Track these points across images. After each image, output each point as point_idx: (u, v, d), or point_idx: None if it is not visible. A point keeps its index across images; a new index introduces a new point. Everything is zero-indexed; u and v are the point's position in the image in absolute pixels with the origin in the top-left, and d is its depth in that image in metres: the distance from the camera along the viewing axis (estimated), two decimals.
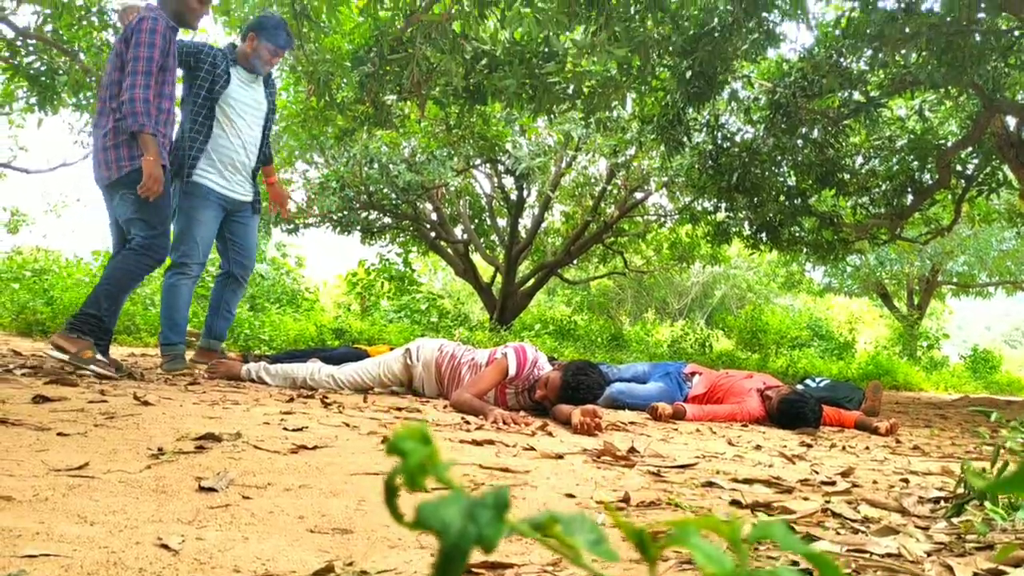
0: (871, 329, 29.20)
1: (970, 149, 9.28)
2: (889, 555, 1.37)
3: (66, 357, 3.72)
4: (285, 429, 2.51)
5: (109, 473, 1.66)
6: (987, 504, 1.59)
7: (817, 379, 5.83)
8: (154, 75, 3.84)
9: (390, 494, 0.37)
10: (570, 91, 7.36)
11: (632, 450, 2.68)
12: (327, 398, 3.64)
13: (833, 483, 2.26)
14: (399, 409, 3.47)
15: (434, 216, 15.83)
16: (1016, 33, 7.02)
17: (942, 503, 1.93)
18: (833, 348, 18.82)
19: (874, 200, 10.54)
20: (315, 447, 2.22)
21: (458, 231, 16.53)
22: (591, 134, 12.03)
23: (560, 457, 2.45)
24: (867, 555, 1.36)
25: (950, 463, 3.00)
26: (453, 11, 6.34)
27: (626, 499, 1.82)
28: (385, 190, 13.48)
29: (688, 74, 7.19)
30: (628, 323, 25.97)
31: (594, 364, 3.80)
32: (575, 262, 17.65)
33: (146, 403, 2.81)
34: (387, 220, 15.21)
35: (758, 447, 3.24)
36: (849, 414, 4.81)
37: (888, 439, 4.18)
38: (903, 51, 6.75)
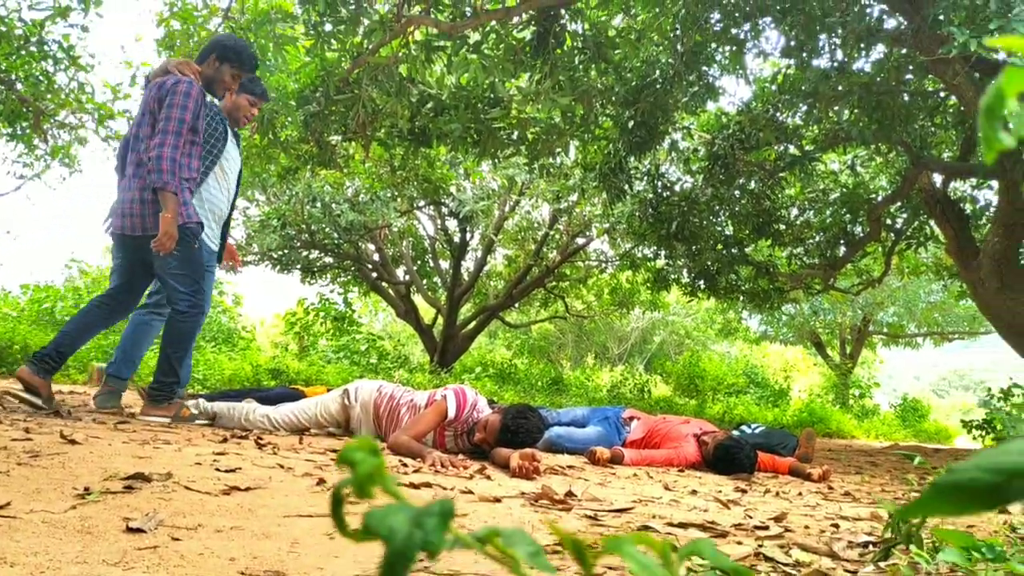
0: (805, 377, 29.75)
1: (899, 204, 9.62)
2: None
3: (168, 421, 4.00)
4: (217, 470, 2.46)
5: (32, 513, 1.60)
6: (913, 548, 1.63)
7: (752, 426, 5.91)
8: (184, 136, 3.93)
9: (336, 505, 0.38)
10: (514, 137, 7.47)
11: (570, 494, 2.68)
12: (261, 439, 3.57)
13: (766, 528, 2.29)
14: (335, 451, 3.41)
15: (376, 256, 15.78)
16: (942, 95, 7.36)
17: (871, 547, 1.97)
18: (768, 395, 19.12)
19: (808, 251, 10.83)
20: (248, 488, 2.17)
21: (400, 272, 16.49)
22: (534, 179, 12.17)
23: (498, 500, 2.44)
24: None
25: (879, 509, 3.06)
26: (400, 54, 6.40)
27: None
28: (327, 229, 13.41)
29: (630, 124, 7.35)
30: (568, 367, 26.02)
31: (533, 408, 3.80)
32: (517, 306, 17.71)
33: (73, 441, 2.72)
34: (328, 259, 15.11)
35: (694, 492, 3.27)
36: (783, 460, 4.88)
37: (820, 485, 4.24)
38: (836, 108, 7.01)
